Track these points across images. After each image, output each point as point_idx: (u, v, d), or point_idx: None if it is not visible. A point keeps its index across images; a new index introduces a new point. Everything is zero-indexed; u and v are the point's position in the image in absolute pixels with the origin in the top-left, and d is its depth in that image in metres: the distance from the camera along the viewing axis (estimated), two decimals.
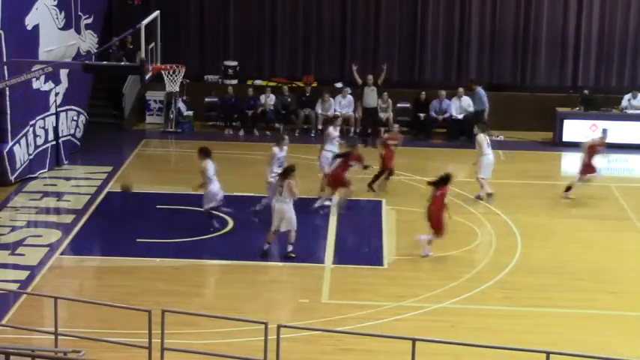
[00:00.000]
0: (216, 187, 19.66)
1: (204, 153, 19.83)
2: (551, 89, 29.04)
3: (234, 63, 29.37)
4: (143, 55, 17.42)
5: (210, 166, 19.67)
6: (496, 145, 27.23)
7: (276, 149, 20.42)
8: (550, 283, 17.69)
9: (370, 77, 27.44)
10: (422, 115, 28.25)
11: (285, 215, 18.26)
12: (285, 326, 12.98)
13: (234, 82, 29.15)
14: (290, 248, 18.46)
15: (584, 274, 18.16)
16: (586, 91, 27.93)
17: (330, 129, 22.38)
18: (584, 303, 16.81)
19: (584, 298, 17.03)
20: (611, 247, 19.66)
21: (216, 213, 20.01)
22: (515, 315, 16.42)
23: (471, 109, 27.76)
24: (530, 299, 17.02)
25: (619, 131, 27.13)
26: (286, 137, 20.93)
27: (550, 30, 29.43)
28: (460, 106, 28.11)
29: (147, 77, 17.84)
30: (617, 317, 16.38)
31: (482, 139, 22.27)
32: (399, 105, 28.51)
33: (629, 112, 27.67)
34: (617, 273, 18.24)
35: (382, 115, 28.15)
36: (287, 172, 18.49)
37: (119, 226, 20.28)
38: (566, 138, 27.39)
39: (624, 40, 29.42)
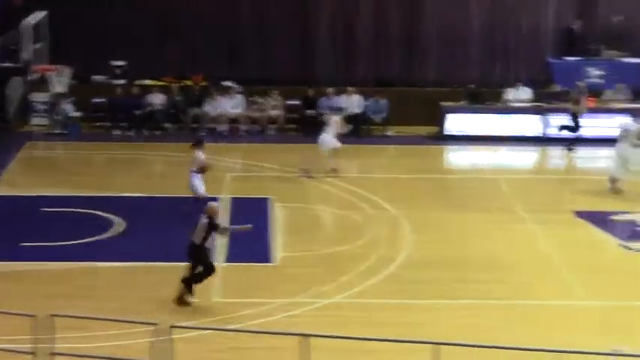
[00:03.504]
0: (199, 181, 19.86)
1: (196, 143, 20.19)
2: (438, 84, 29.48)
3: (122, 63, 29.06)
4: (27, 55, 17.13)
5: (201, 156, 19.83)
6: (386, 141, 27.67)
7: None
8: (441, 275, 17.92)
9: None
10: (311, 112, 28.40)
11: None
12: (176, 326, 12.90)
13: (123, 82, 28.84)
14: None
15: (475, 265, 18.45)
16: (472, 85, 28.44)
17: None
18: (476, 294, 17.04)
19: (475, 289, 17.27)
20: (500, 238, 20.00)
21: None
22: (406, 308, 16.58)
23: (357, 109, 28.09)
24: (421, 292, 17.20)
25: (503, 124, 27.76)
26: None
27: (436, 25, 29.86)
28: (350, 103, 28.34)
29: (31, 78, 17.56)
30: (509, 306, 16.63)
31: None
32: (288, 102, 28.60)
33: (513, 105, 28.26)
34: (508, 263, 18.57)
35: (272, 113, 28.22)
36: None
37: (1, 231, 19.84)
38: (450, 131, 27.86)
39: (508, 35, 30.01)
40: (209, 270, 16.46)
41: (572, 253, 19.04)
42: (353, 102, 28.41)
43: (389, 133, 28.25)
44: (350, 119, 27.33)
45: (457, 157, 27.30)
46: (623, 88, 28.18)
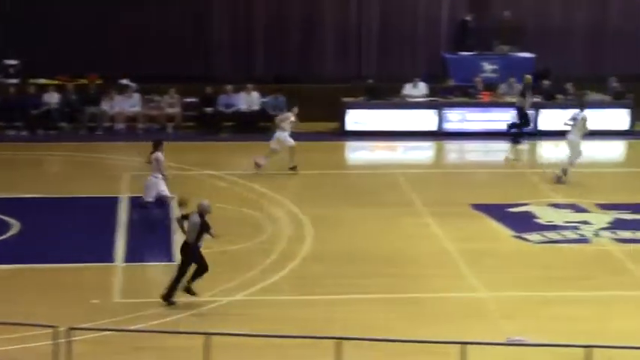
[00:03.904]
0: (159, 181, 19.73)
1: (156, 145, 19.98)
2: (337, 80, 29.63)
3: (15, 62, 28.54)
4: None
5: (161, 157, 19.70)
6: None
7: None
8: (341, 270, 18.05)
9: None
10: (209, 109, 28.31)
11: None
12: (76, 328, 12.75)
13: (16, 81, 28.34)
14: None
15: (375, 260, 18.62)
16: (370, 80, 28.66)
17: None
18: (375, 288, 17.21)
19: (375, 283, 17.44)
20: (398, 232, 20.21)
21: None
22: (309, 303, 16.67)
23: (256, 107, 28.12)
24: (322, 287, 17.31)
25: (401, 119, 28.08)
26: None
27: (334, 21, 30.03)
28: (249, 100, 28.34)
29: None
30: (408, 299, 16.84)
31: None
32: (186, 100, 28.45)
33: (410, 100, 28.60)
34: (406, 257, 18.77)
35: (170, 111, 28.06)
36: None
37: None
38: (349, 127, 28.07)
39: (403, 31, 30.33)
40: (203, 269, 16.36)
41: (468, 246, 19.34)
42: (252, 99, 28.41)
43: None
44: (248, 116, 27.35)
45: (357, 152, 27.51)
46: (515, 82, 28.75)
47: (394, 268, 18.19)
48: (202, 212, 16.44)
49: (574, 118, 23.64)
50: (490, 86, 28.98)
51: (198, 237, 16.36)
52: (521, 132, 27.33)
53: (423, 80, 28.92)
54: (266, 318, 15.88)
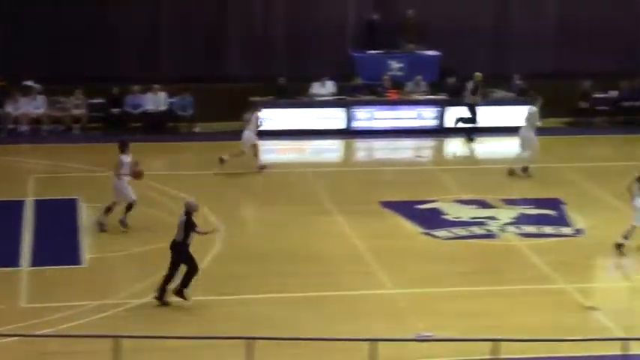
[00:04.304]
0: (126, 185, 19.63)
1: (121, 146, 19.73)
2: (245, 79, 29.54)
3: None
4: None
5: (127, 160, 19.53)
6: (194, 138, 27.63)
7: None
8: (252, 269, 18.03)
9: None
10: (116, 110, 28.03)
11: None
12: None
13: None
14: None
15: (285, 258, 18.65)
16: (282, 79, 28.62)
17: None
18: (285, 286, 17.22)
19: (285, 282, 17.46)
20: (308, 231, 20.26)
21: None
22: (219, 303, 16.63)
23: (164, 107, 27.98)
24: (232, 287, 17.28)
25: (310, 118, 28.17)
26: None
27: (240, 20, 29.95)
28: (156, 100, 28.15)
29: None
30: (319, 297, 16.89)
31: None
32: (92, 101, 28.11)
33: (319, 99, 28.70)
34: (316, 256, 18.84)
35: (76, 112, 27.72)
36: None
37: None
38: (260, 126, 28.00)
39: (311, 29, 30.36)
40: (192, 270, 16.32)
41: (378, 243, 19.48)
42: (159, 100, 28.21)
43: (197, 129, 28.19)
44: (156, 117, 27.12)
45: (266, 151, 27.47)
46: (421, 80, 29.05)
47: (305, 267, 18.25)
48: (189, 210, 16.52)
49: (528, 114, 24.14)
50: (397, 84, 29.22)
51: (186, 235, 16.36)
52: (471, 128, 27.70)
53: (331, 79, 29.04)
54: (177, 319, 15.80)
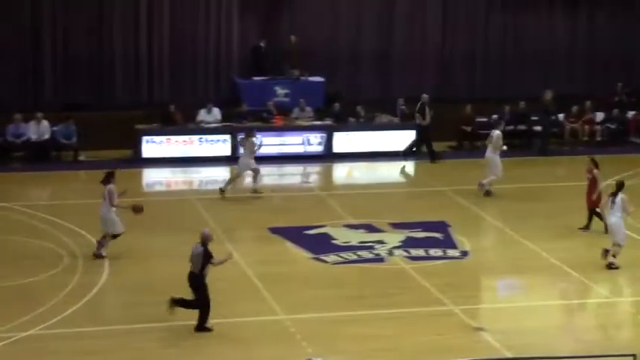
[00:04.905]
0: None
1: (108, 176, 19.68)
2: (129, 106, 29.23)
3: None
4: None
5: (113, 189, 19.36)
6: (78, 166, 27.20)
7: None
8: (141, 299, 17.80)
9: None
10: None
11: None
12: None
13: None
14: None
15: (174, 287, 18.32)
16: (172, 107, 28.42)
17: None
18: (176, 316, 16.92)
19: (175, 311, 17.21)
20: None
21: None
22: (104, 334, 16.35)
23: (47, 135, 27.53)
24: (119, 317, 17.04)
25: (196, 145, 28.05)
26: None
27: (123, 47, 29.66)
28: (39, 129, 27.65)
29: None
30: (214, 325, 16.71)
31: None
32: None
33: (205, 126, 28.59)
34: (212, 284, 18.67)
35: None
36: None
37: None
38: (146, 154, 27.80)
39: (195, 57, 30.28)
40: (204, 305, 16.27)
41: (267, 270, 19.44)
42: (42, 128, 27.71)
43: (81, 158, 27.76)
44: (39, 146, 26.66)
45: (152, 179, 27.23)
46: (305, 105, 29.22)
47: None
48: (205, 241, 16.36)
49: (490, 136, 24.81)
50: (283, 110, 29.31)
51: (203, 266, 16.24)
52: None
53: (217, 105, 28.97)
54: (62, 351, 15.49)
